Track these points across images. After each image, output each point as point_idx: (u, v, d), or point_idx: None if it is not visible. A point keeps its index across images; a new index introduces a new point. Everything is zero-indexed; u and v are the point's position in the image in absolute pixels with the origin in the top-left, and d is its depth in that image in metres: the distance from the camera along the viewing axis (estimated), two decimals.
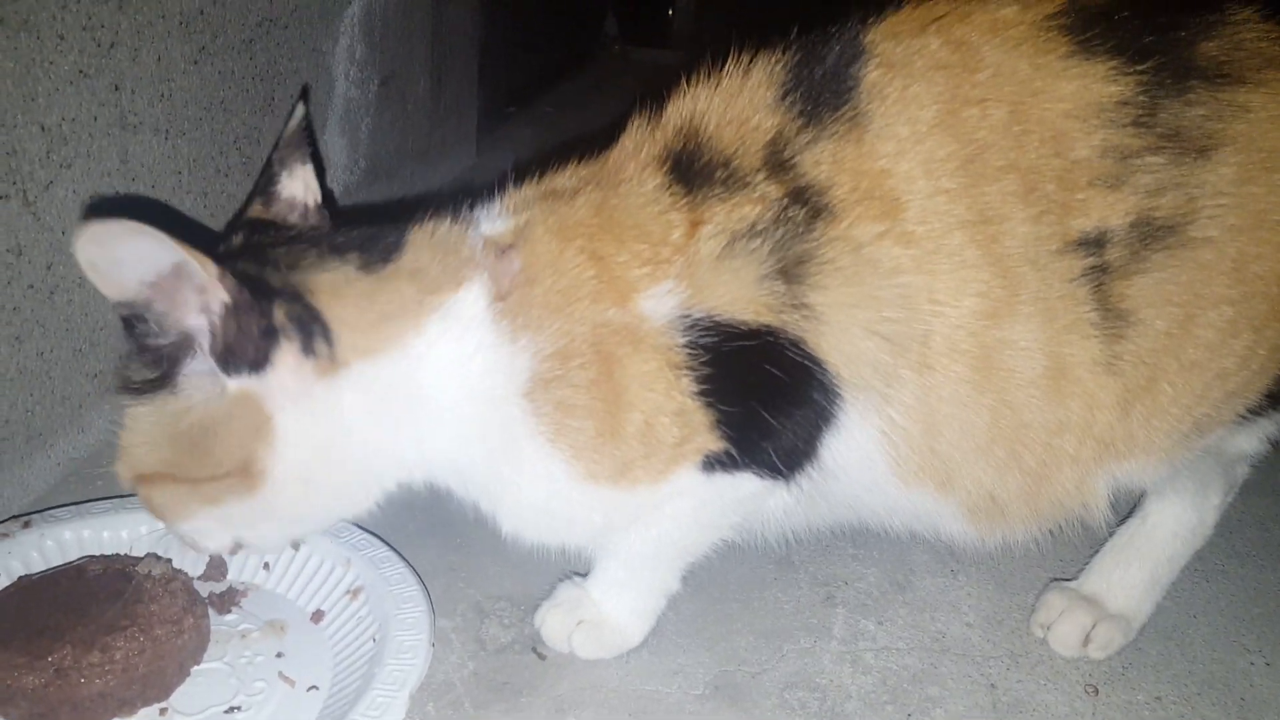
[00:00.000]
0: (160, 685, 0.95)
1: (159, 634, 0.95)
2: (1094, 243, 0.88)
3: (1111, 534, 1.15)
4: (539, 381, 0.88)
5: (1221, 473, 1.10)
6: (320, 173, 1.00)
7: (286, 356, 0.84)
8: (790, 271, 0.88)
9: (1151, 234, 0.88)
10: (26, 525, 1.09)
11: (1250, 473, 1.13)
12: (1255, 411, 0.99)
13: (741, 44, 0.96)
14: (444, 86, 2.31)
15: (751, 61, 0.95)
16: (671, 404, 0.89)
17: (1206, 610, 1.20)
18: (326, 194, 1.00)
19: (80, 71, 1.19)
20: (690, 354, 0.88)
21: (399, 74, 2.06)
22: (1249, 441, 1.05)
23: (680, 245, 0.89)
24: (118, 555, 1.07)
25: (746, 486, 0.95)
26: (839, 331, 0.88)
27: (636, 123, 0.98)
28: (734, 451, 0.91)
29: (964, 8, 0.92)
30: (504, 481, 0.94)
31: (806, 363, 0.88)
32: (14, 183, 1.12)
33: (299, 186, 0.97)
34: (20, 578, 1.02)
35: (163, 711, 0.94)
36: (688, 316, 0.88)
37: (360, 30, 1.86)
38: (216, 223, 1.48)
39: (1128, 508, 1.14)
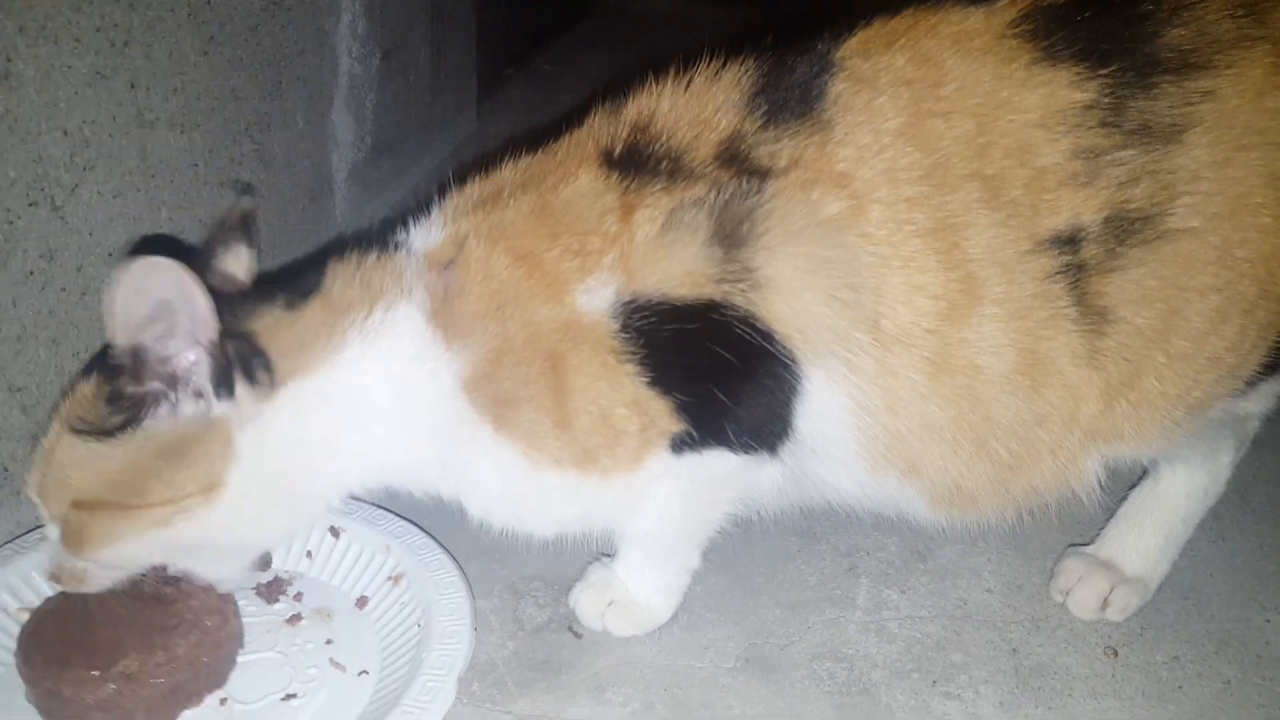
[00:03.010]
0: (219, 672, 1.04)
1: (210, 625, 1.03)
2: (1067, 240, 0.93)
3: (1125, 498, 1.23)
4: (474, 379, 0.96)
5: (1231, 432, 1.16)
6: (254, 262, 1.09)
7: (239, 386, 0.94)
8: (730, 234, 0.93)
9: (1128, 229, 0.93)
10: None
11: (1264, 429, 1.19)
12: (1255, 379, 1.05)
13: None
14: (443, 54, 2.36)
15: (723, 67, 1.00)
16: (624, 395, 0.96)
17: (1223, 569, 1.27)
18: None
19: (97, 73, 1.25)
20: (631, 342, 0.94)
21: (400, 46, 2.10)
22: (1255, 404, 1.11)
23: (614, 234, 0.95)
24: None
25: (723, 464, 1.02)
26: (790, 297, 0.93)
27: (595, 115, 1.04)
28: (694, 432, 0.98)
29: (931, 20, 0.97)
30: (464, 471, 1.03)
31: (754, 338, 0.94)
32: (42, 189, 1.18)
33: (237, 265, 1.05)
34: (44, 601, 1.08)
35: (223, 701, 1.02)
36: (623, 303, 0.94)
37: (361, 5, 1.91)
38: None
39: (1139, 473, 1.21)
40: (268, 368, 0.95)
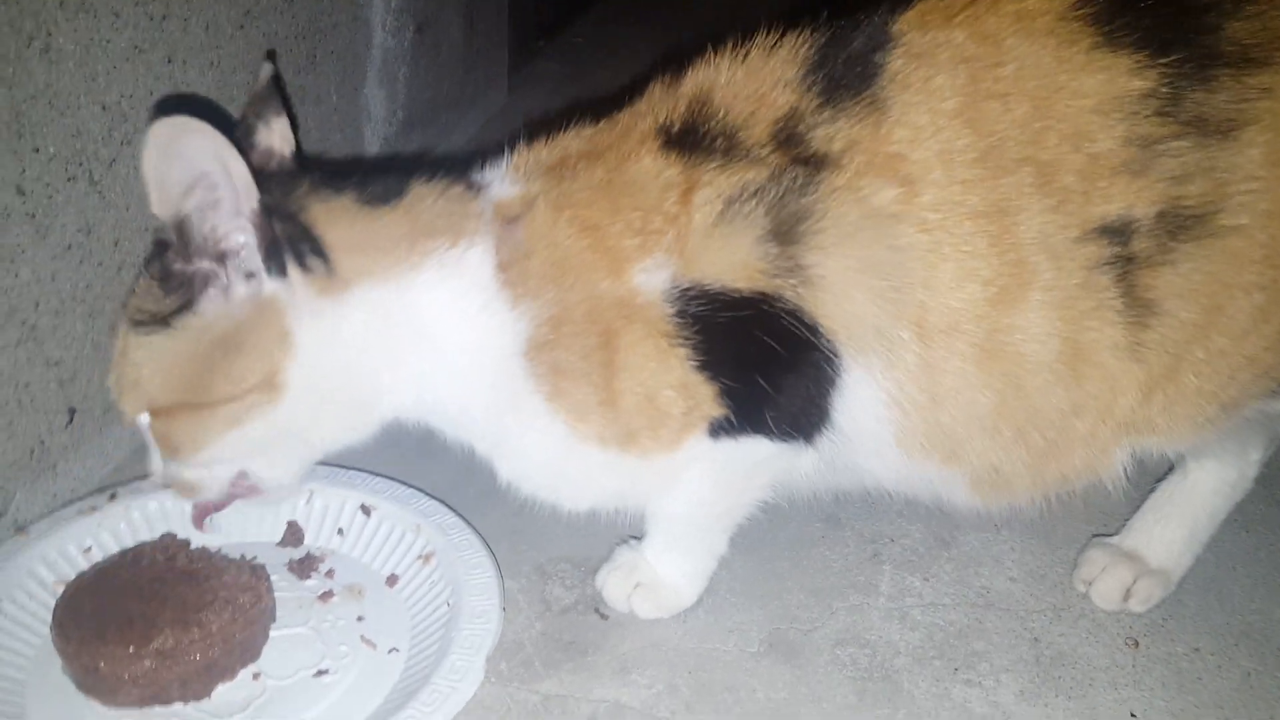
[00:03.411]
0: (253, 647, 1.05)
1: (243, 601, 1.04)
2: (1117, 231, 0.92)
3: (1152, 490, 1.22)
4: (535, 345, 0.96)
5: (1261, 430, 1.15)
6: (295, 126, 1.07)
7: (290, 268, 0.92)
8: (786, 232, 0.92)
9: (1180, 225, 0.91)
10: (113, 498, 1.18)
11: None
12: None
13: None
14: (476, 28, 2.34)
15: (779, 40, 0.99)
16: (672, 376, 0.96)
17: (1246, 561, 1.27)
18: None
19: (135, 47, 1.25)
20: (683, 326, 0.94)
21: (433, 20, 2.09)
22: None
23: (673, 214, 0.94)
24: (162, 538, 1.13)
25: (759, 450, 1.02)
26: (840, 296, 0.93)
27: (655, 87, 1.03)
28: (733, 418, 0.98)
29: None
30: (507, 433, 1.02)
31: (803, 332, 0.93)
32: (80, 164, 1.18)
33: (275, 138, 1.03)
34: (76, 576, 1.09)
35: (256, 676, 1.04)
36: (679, 288, 0.94)
37: None
38: None
39: (1167, 466, 1.20)
40: (321, 255, 0.93)
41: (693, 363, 0.95)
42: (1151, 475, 1.21)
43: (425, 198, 0.98)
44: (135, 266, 1.29)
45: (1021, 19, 0.94)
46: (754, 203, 0.93)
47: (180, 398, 0.93)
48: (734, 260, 0.93)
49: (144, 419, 0.96)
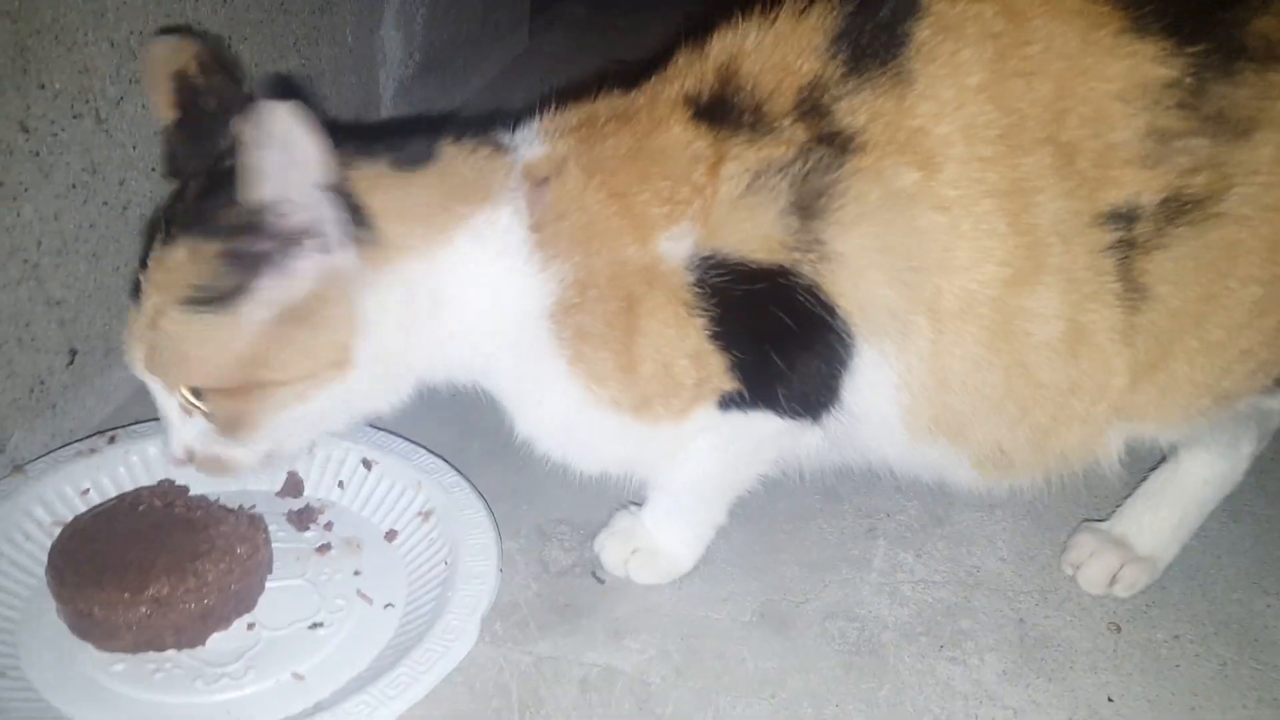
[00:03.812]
0: (248, 598, 1.05)
1: (240, 552, 1.04)
2: (1124, 217, 0.91)
3: (1144, 478, 1.22)
4: (561, 307, 0.95)
5: (1255, 424, 1.15)
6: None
7: (350, 243, 0.90)
8: (808, 206, 0.92)
9: (1179, 210, 0.91)
10: (112, 441, 1.18)
11: None
12: None
13: None
14: None
15: (808, 6, 0.97)
16: (688, 346, 0.95)
17: (1231, 551, 1.27)
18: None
19: None
20: (702, 295, 0.93)
21: None
22: None
23: (700, 185, 0.93)
24: (160, 484, 1.12)
25: (768, 425, 1.02)
26: (856, 274, 0.93)
27: (681, 54, 1.01)
28: (745, 392, 0.98)
29: None
30: (527, 392, 1.02)
31: (818, 309, 0.93)
32: (87, 101, 1.16)
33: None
34: (73, 519, 1.08)
35: (251, 626, 1.04)
36: (700, 257, 0.93)
37: None
38: None
39: (1160, 455, 1.20)
40: (370, 225, 0.91)
41: (708, 333, 0.95)
42: (1145, 464, 1.21)
43: (457, 158, 0.96)
44: (140, 206, 1.27)
45: None
46: (780, 177, 0.92)
47: (249, 377, 0.91)
48: (756, 231, 0.92)
49: (178, 397, 0.94)
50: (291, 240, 0.87)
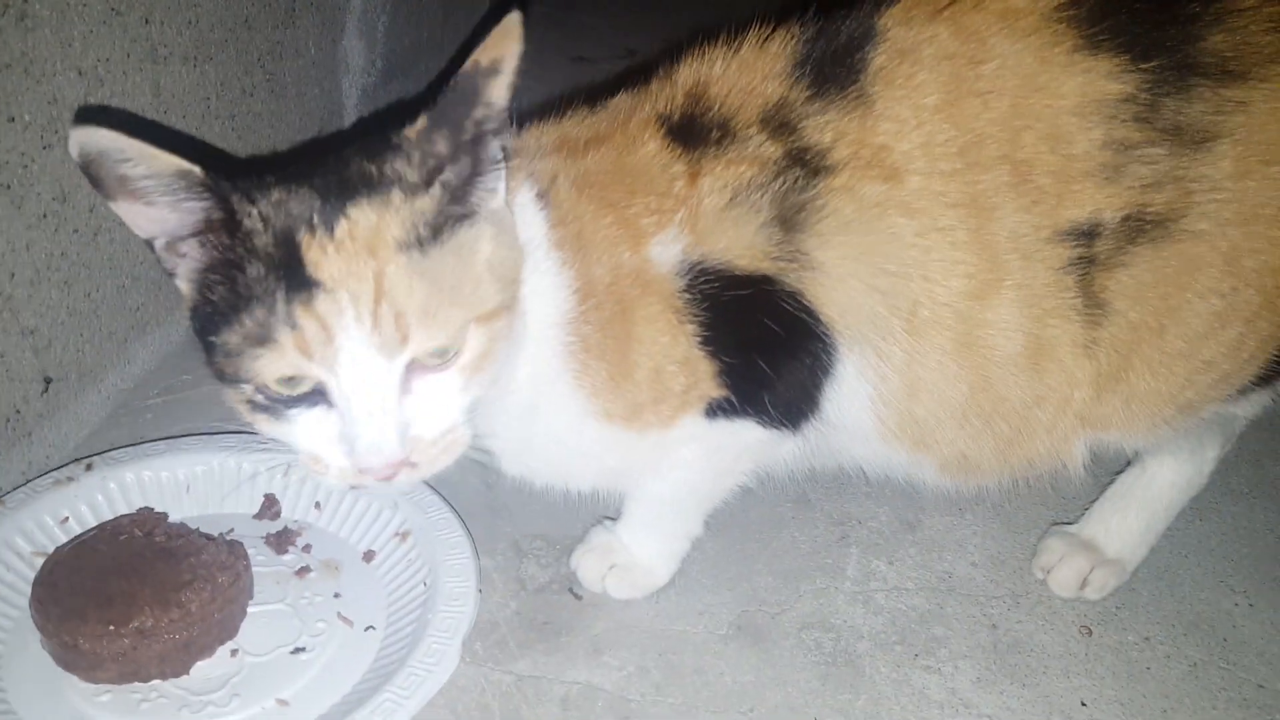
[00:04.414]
0: (230, 625, 1.05)
1: (222, 581, 1.03)
2: (1085, 233, 0.92)
3: (1111, 482, 1.23)
4: (570, 318, 0.94)
5: (1219, 429, 1.16)
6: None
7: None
8: (789, 219, 0.93)
9: (1140, 229, 0.92)
10: (89, 468, 1.17)
11: None
12: (1249, 388, 1.05)
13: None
14: None
15: (771, 34, 0.98)
16: (678, 351, 0.95)
17: (1198, 550, 1.29)
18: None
19: (112, 9, 1.21)
20: (691, 301, 0.94)
21: None
22: (1245, 409, 1.11)
23: (682, 196, 0.94)
24: (140, 513, 1.11)
25: (751, 434, 1.02)
26: (837, 282, 0.94)
27: (651, 79, 1.02)
28: (733, 399, 0.98)
29: None
30: (530, 410, 0.99)
31: (802, 315, 0.94)
32: (56, 131, 1.14)
33: None
34: (55, 550, 1.07)
35: (234, 653, 1.03)
36: (688, 263, 0.93)
37: None
38: (244, 144, 1.51)
39: (1127, 458, 1.21)
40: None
41: (698, 339, 0.95)
42: (1112, 467, 1.23)
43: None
44: (111, 231, 1.25)
45: (1006, 17, 0.93)
46: (761, 192, 0.93)
47: (500, 301, 0.87)
48: (740, 240, 0.93)
49: (415, 360, 0.84)
50: (488, 165, 0.84)
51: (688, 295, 0.94)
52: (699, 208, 0.94)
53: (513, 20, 0.79)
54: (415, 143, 0.82)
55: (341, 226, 0.80)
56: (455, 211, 0.83)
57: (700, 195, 0.94)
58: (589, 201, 0.95)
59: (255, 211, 0.81)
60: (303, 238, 0.80)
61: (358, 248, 0.80)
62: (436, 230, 0.82)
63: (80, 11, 1.15)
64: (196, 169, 0.79)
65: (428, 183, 0.82)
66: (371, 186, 0.82)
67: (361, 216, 0.80)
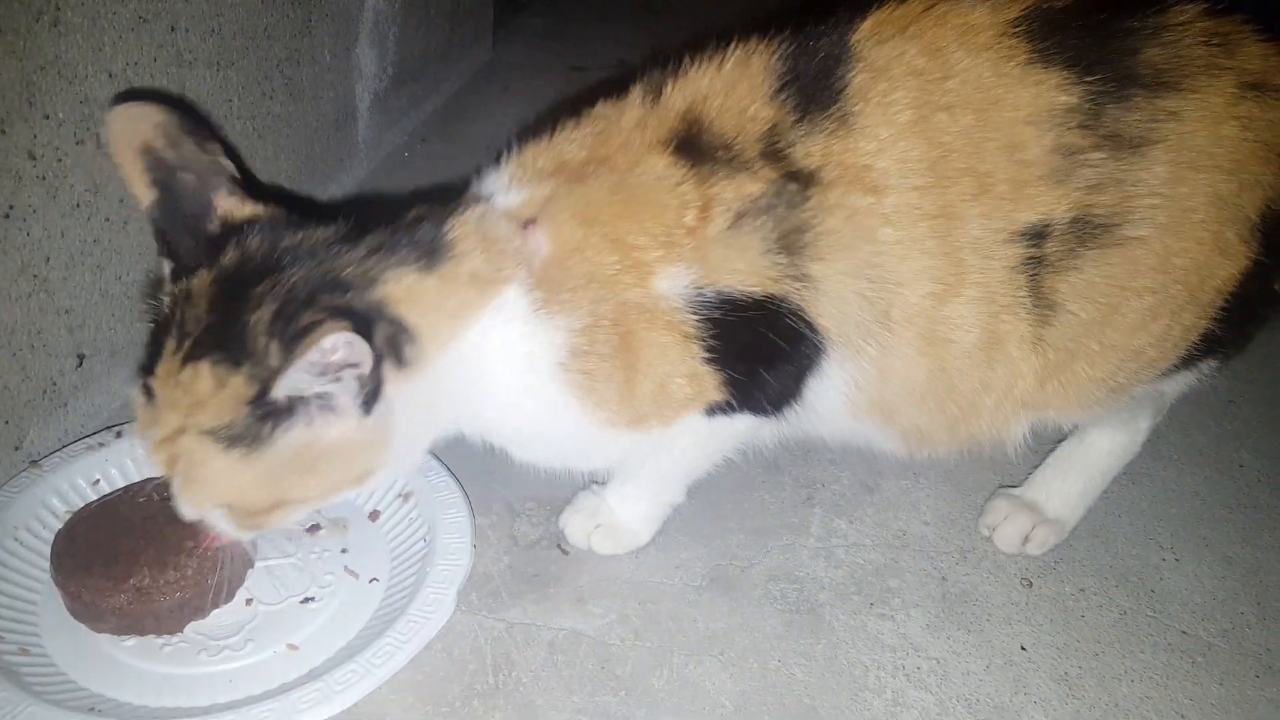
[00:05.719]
0: (229, 590, 1.05)
1: (221, 549, 1.02)
2: (1036, 234, 0.93)
3: (1053, 449, 1.25)
4: (571, 353, 0.93)
5: (1150, 403, 1.18)
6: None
7: (390, 373, 0.85)
8: (791, 245, 0.92)
9: (1089, 233, 0.93)
10: (119, 435, 1.18)
11: None
12: (1172, 370, 1.06)
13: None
14: None
15: (751, 50, 0.96)
16: (685, 368, 0.95)
17: (1129, 511, 1.30)
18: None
19: (140, 17, 1.22)
20: (701, 326, 0.93)
21: None
22: (1172, 387, 1.13)
23: (693, 227, 0.92)
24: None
25: (744, 424, 1.04)
26: (833, 296, 0.94)
27: (637, 94, 0.98)
28: (734, 401, 1.00)
29: (940, 9, 0.94)
30: (534, 428, 1.00)
31: (802, 328, 0.95)
32: (88, 128, 1.16)
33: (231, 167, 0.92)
34: (81, 508, 1.08)
35: (249, 602, 1.05)
36: (699, 292, 0.92)
37: None
38: (264, 143, 1.52)
39: (1069, 427, 1.22)
40: (413, 341, 0.86)
41: (705, 355, 0.95)
42: (1054, 434, 1.24)
43: (468, 239, 0.90)
44: (140, 220, 1.27)
45: (965, 33, 0.93)
46: (763, 217, 0.92)
47: (276, 499, 0.87)
48: (748, 267, 0.92)
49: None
50: (321, 400, 0.83)
51: (695, 319, 0.93)
52: (706, 236, 0.92)
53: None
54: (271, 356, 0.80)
55: (181, 368, 0.82)
56: (251, 434, 0.82)
57: (709, 224, 0.92)
58: (596, 237, 0.92)
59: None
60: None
61: (177, 397, 0.82)
62: (230, 438, 0.82)
63: (110, 19, 1.16)
64: None
65: (251, 401, 0.81)
66: (231, 358, 0.81)
67: (201, 379, 0.81)
